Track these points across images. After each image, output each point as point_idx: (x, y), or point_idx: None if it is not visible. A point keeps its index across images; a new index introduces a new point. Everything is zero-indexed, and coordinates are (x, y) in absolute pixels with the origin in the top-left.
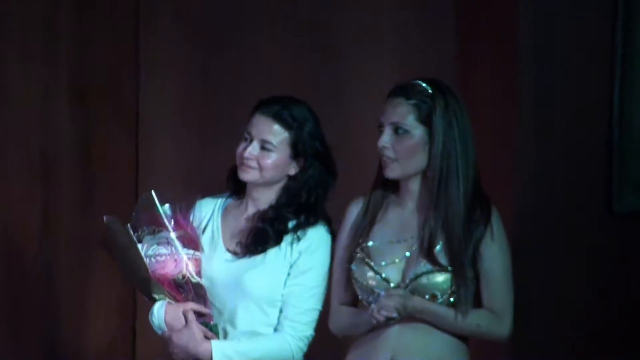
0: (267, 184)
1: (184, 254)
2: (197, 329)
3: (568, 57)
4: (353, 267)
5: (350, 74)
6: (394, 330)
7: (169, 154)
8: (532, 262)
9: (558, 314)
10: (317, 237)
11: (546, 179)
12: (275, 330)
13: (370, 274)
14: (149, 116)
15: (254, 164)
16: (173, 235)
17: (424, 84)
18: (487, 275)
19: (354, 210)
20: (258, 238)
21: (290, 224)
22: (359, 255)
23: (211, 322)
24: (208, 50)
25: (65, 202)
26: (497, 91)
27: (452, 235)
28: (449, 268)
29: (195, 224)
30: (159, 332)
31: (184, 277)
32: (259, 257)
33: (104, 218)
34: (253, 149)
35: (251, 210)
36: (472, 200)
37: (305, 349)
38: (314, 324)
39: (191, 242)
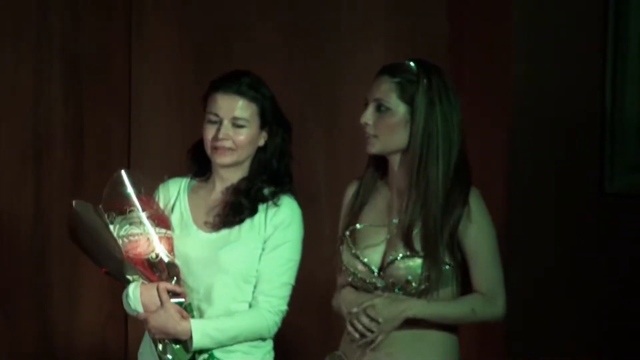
0: (242, 162)
1: (156, 233)
2: (173, 309)
3: (560, 38)
4: (341, 250)
5: (342, 57)
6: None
7: (162, 137)
8: (525, 244)
9: (549, 295)
10: (289, 212)
11: (538, 160)
12: (250, 306)
13: (353, 259)
14: (141, 99)
15: (230, 144)
16: (144, 214)
17: (411, 63)
18: (472, 257)
19: (349, 194)
20: (234, 209)
21: (266, 192)
22: (346, 239)
23: (185, 301)
24: (200, 33)
25: (57, 186)
26: (489, 74)
27: (428, 216)
28: (423, 254)
29: (161, 205)
30: (133, 314)
31: (157, 256)
32: (233, 234)
33: (72, 203)
34: (226, 128)
35: (220, 187)
36: (453, 182)
37: (280, 323)
38: (288, 299)
39: (162, 221)
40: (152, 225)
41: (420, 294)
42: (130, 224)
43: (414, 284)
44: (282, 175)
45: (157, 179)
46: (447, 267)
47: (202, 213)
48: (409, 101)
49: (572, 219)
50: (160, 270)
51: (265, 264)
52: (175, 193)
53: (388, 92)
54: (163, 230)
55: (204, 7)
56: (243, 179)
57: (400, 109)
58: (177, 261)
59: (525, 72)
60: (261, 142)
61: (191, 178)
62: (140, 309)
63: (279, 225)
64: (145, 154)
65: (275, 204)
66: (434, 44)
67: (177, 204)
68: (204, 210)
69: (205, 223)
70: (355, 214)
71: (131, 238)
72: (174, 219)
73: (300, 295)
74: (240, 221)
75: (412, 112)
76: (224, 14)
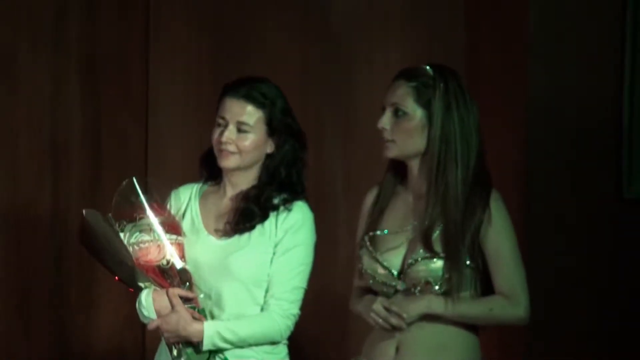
0: (247, 166)
1: (167, 239)
2: (184, 310)
3: (578, 45)
4: (361, 255)
5: (358, 62)
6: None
7: (179, 142)
8: (543, 248)
9: (569, 298)
10: (300, 215)
11: (556, 166)
12: (262, 309)
13: (374, 262)
14: (159, 105)
15: (233, 148)
16: (154, 221)
17: (427, 68)
18: (493, 260)
19: (369, 199)
20: (245, 216)
21: (276, 200)
22: (365, 244)
23: (198, 307)
24: (217, 38)
25: (74, 190)
26: (507, 79)
27: (449, 220)
28: (444, 255)
29: (173, 212)
30: (146, 322)
31: (168, 262)
32: (243, 239)
33: (83, 212)
34: (230, 132)
35: (231, 193)
36: (473, 185)
37: (292, 327)
38: (299, 303)
39: (172, 227)
40: (163, 231)
41: (440, 296)
42: (141, 231)
43: (434, 286)
44: (293, 183)
45: (175, 183)
46: (468, 269)
47: (212, 219)
48: (426, 105)
49: (590, 224)
50: (172, 277)
51: (276, 268)
52: (186, 199)
53: (405, 97)
54: (174, 236)
55: (221, 10)
56: (253, 186)
57: (417, 113)
58: (188, 267)
59: (542, 78)
60: (269, 150)
61: (203, 183)
62: (154, 316)
63: (290, 229)
64: (162, 158)
65: (287, 209)
66: (450, 48)
67: (188, 209)
68: (215, 216)
69: (216, 230)
70: (375, 220)
71: (142, 245)
72: (185, 224)
73: (316, 300)
74: (251, 228)
75: (429, 117)
76: (240, 17)
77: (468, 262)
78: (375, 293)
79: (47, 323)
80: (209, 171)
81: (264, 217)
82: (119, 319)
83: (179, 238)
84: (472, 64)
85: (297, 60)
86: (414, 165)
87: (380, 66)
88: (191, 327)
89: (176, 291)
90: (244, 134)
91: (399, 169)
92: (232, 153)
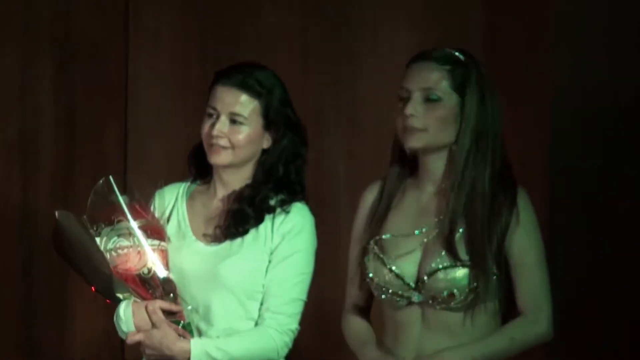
0: (240, 163)
1: (149, 244)
2: (168, 327)
3: (605, 36)
4: (366, 262)
5: (363, 45)
6: (415, 335)
7: (162, 137)
8: (566, 247)
9: (592, 297)
10: (300, 219)
11: (580, 160)
12: (256, 324)
13: (383, 270)
14: (139, 93)
15: (225, 142)
16: (134, 224)
17: (455, 52)
18: (517, 267)
19: (369, 198)
20: (237, 219)
21: (273, 202)
22: (372, 248)
23: (183, 321)
24: (204, 20)
25: (45, 189)
26: (528, 71)
27: (475, 221)
28: (469, 262)
29: (157, 214)
30: (124, 338)
31: (149, 271)
32: (235, 245)
33: (55, 214)
34: (222, 125)
35: (222, 193)
36: (498, 183)
37: (290, 344)
38: (298, 317)
39: (155, 231)
40: (144, 236)
41: (463, 307)
42: (119, 235)
43: (458, 297)
44: (291, 182)
45: (158, 182)
46: (494, 276)
47: (201, 222)
48: (460, 92)
49: (616, 225)
50: (154, 287)
51: (272, 278)
52: (172, 200)
53: (439, 80)
54: (157, 242)
55: None
56: (247, 186)
57: (452, 99)
58: (172, 276)
59: (567, 66)
60: (265, 145)
61: (191, 182)
62: (133, 330)
63: (287, 234)
64: (143, 154)
65: (284, 211)
66: (465, 31)
67: (174, 212)
68: (203, 219)
69: (205, 234)
70: (380, 221)
71: (120, 251)
72: (170, 228)
73: (315, 312)
74: (244, 232)
75: (461, 105)
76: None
77: (494, 269)
78: (371, 301)
79: (15, 336)
80: (198, 168)
81: (258, 221)
82: (96, 331)
83: (162, 244)
84: (490, 48)
85: (295, 44)
86: (434, 159)
87: (386, 50)
88: (176, 347)
89: (157, 304)
90: (237, 127)
91: (405, 162)
92: (224, 148)
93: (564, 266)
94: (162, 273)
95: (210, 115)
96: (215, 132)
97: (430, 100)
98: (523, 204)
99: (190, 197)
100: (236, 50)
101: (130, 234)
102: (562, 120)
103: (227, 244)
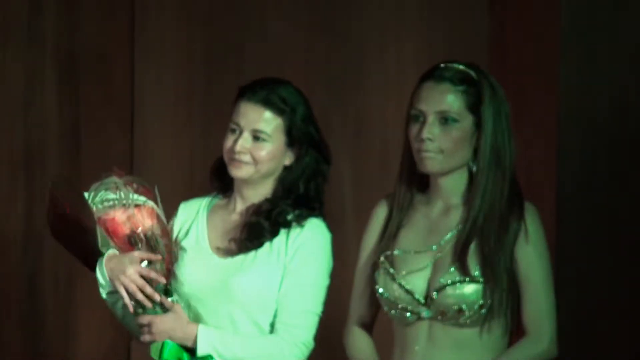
0: (261, 178)
1: (135, 200)
2: (182, 312)
3: (612, 42)
4: (376, 277)
5: (369, 58)
6: (423, 351)
7: (168, 148)
8: (575, 261)
9: (601, 308)
10: (315, 233)
11: (589, 173)
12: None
13: (393, 286)
14: (145, 105)
15: (247, 158)
16: (121, 180)
17: (464, 67)
18: (523, 282)
19: (381, 214)
20: (252, 232)
21: (290, 216)
22: (383, 263)
23: (160, 282)
24: (210, 32)
25: None
26: (535, 79)
27: (489, 235)
28: (481, 278)
29: (177, 225)
30: (104, 296)
31: (136, 228)
32: (248, 258)
33: (49, 183)
34: (245, 141)
35: (241, 207)
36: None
37: (302, 358)
38: (312, 330)
39: (144, 192)
40: (131, 191)
41: (471, 324)
42: (106, 189)
43: (467, 313)
44: (310, 199)
45: (162, 195)
46: (504, 294)
47: (218, 235)
48: (474, 111)
49: (625, 233)
50: (138, 242)
51: (286, 290)
52: (193, 214)
53: (454, 102)
54: (143, 198)
55: (214, 3)
56: (266, 200)
57: (467, 120)
58: (187, 290)
59: (574, 80)
60: (287, 161)
61: (213, 197)
62: (107, 283)
63: (301, 247)
64: (149, 167)
65: (300, 225)
66: (471, 43)
67: (194, 225)
68: (221, 232)
69: (218, 248)
70: (391, 237)
71: (106, 204)
72: (189, 241)
73: (323, 329)
74: (259, 245)
75: (477, 124)
76: (236, 10)
77: (504, 285)
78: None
79: (21, 350)
80: (220, 182)
81: (273, 234)
82: (102, 346)
83: (149, 202)
84: (496, 57)
85: (300, 55)
86: (447, 178)
87: (392, 60)
88: (187, 328)
89: (136, 253)
90: (260, 143)
91: (413, 178)
92: (246, 163)
93: (571, 282)
94: (146, 230)
95: (233, 131)
96: (238, 148)
97: (445, 122)
98: (530, 218)
99: (211, 211)
100: (241, 62)
101: (117, 187)
102: (569, 135)
103: (240, 257)
